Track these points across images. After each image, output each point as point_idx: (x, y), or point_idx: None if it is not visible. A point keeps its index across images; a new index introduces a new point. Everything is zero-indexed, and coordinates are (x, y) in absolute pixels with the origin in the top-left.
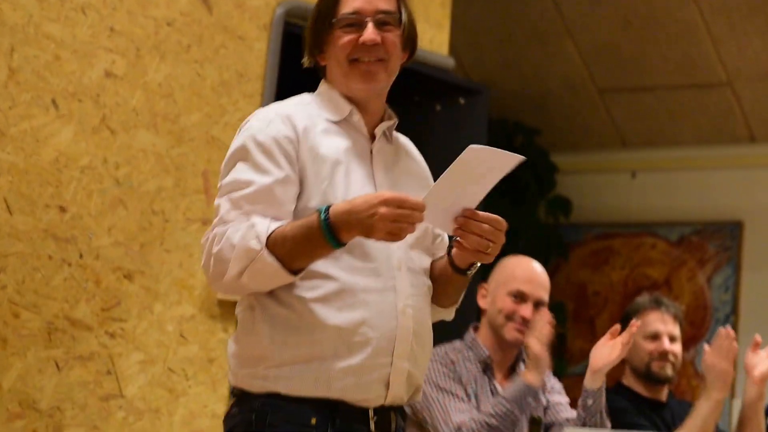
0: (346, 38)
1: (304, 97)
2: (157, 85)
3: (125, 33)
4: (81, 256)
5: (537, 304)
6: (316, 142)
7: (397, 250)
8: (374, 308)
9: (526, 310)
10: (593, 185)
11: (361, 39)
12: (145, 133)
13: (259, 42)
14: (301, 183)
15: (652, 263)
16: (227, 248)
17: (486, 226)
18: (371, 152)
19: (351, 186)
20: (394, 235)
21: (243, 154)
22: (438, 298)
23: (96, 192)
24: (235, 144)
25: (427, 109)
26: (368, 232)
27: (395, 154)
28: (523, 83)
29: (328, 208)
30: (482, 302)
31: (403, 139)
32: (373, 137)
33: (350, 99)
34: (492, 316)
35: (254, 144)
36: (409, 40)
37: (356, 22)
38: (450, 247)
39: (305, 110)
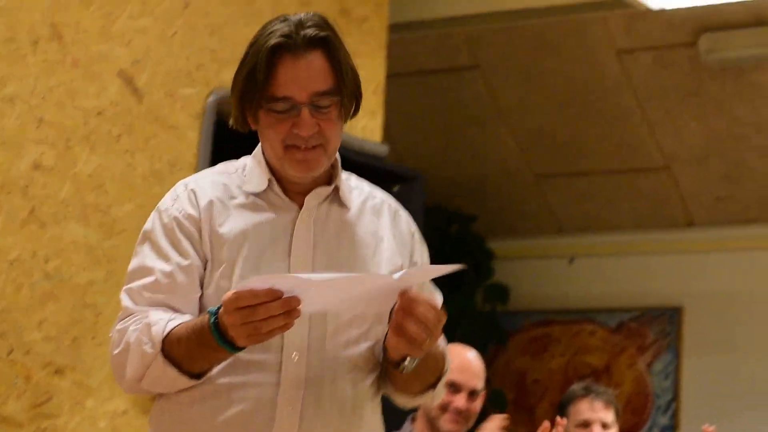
0: (279, 126)
1: (237, 163)
2: (87, 176)
3: (54, 124)
4: (10, 351)
5: (471, 394)
6: (221, 220)
7: (297, 335)
8: (249, 407)
9: (460, 400)
10: (531, 271)
11: (296, 130)
12: (76, 225)
13: (191, 131)
14: (205, 267)
15: (591, 350)
16: (124, 351)
17: (429, 313)
18: (293, 227)
19: (259, 268)
20: (258, 336)
21: (148, 237)
22: (399, 384)
23: (26, 286)
24: (146, 224)
25: None
26: (234, 341)
27: (345, 219)
28: (459, 169)
29: (219, 308)
30: None
31: (375, 200)
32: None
33: (279, 166)
34: (426, 408)
35: (159, 226)
36: (354, 103)
37: (289, 108)
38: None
39: (225, 180)
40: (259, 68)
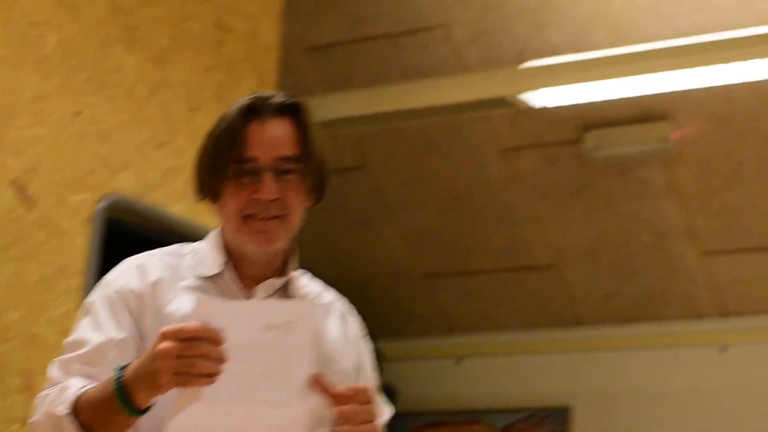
0: (240, 194)
1: (190, 246)
2: None
3: None
4: None
5: None
6: (168, 298)
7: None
8: None
9: None
10: (419, 372)
11: (257, 195)
12: None
13: (80, 237)
14: (144, 344)
15: None
16: (39, 418)
17: (361, 405)
18: None
19: None
20: (185, 377)
21: (89, 309)
22: None
23: None
24: (88, 296)
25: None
26: (154, 381)
27: None
28: (346, 269)
29: (127, 365)
30: None
31: (324, 300)
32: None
33: (235, 249)
34: None
35: (102, 298)
36: (319, 181)
37: (252, 171)
38: None
39: (175, 261)
40: (227, 131)
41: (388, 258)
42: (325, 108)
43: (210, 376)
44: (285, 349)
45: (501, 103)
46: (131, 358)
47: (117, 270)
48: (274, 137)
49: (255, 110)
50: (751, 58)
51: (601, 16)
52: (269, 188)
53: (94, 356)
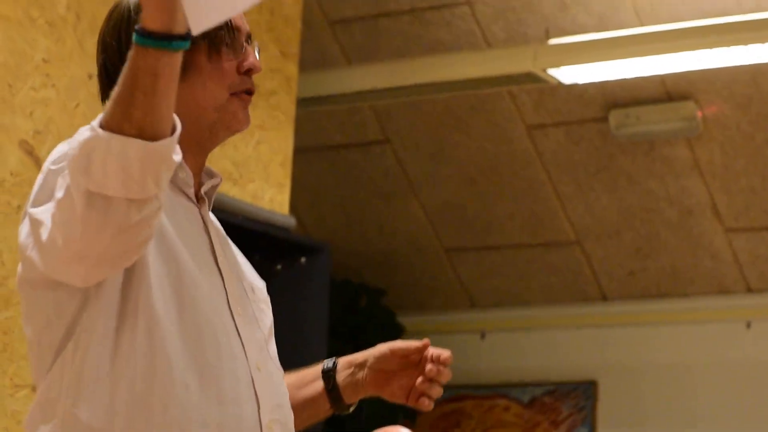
0: (225, 66)
1: None
2: None
3: None
4: None
5: None
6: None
7: (251, 341)
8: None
9: None
10: (442, 346)
11: (250, 63)
12: None
13: None
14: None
15: (505, 425)
16: (68, 197)
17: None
18: (204, 221)
19: (194, 276)
20: None
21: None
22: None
23: None
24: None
25: (268, 268)
26: None
27: (210, 217)
28: (367, 243)
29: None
30: None
31: None
32: (198, 199)
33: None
34: None
35: None
36: None
37: (238, 42)
38: (329, 371)
39: None
40: None
41: (410, 232)
42: (347, 81)
43: None
44: None
45: (526, 78)
46: None
47: None
48: None
49: None
50: None
51: None
52: (257, 59)
53: None
